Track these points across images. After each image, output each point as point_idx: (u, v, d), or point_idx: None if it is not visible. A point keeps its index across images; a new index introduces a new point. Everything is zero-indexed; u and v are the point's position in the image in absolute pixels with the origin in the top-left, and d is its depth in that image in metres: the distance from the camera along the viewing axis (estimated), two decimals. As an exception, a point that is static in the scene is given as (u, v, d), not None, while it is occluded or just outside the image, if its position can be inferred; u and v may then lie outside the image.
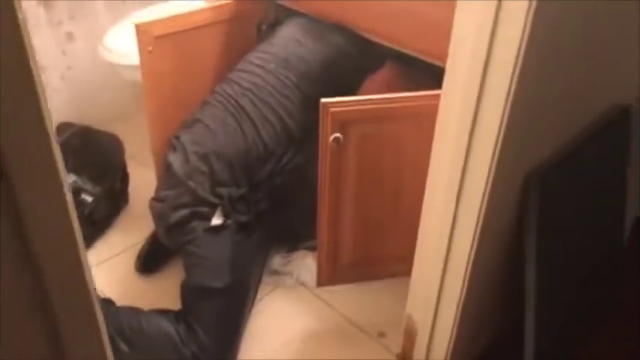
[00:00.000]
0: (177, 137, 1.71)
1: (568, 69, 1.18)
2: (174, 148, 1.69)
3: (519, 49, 1.03)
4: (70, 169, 2.03)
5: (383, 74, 1.73)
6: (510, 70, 1.04)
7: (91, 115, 2.39)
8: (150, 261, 1.88)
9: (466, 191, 1.18)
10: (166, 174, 1.68)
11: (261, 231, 1.69)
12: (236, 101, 1.67)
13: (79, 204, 1.95)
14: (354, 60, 1.74)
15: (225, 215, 1.59)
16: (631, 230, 1.77)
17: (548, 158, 1.29)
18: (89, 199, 1.99)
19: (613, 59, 1.36)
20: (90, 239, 1.96)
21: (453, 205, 1.20)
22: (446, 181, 1.20)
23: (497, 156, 1.11)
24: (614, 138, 1.50)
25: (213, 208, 1.59)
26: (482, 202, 1.16)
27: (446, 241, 1.26)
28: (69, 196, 0.66)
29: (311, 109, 1.42)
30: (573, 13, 1.09)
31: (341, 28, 1.76)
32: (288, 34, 1.80)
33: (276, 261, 1.86)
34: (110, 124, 2.26)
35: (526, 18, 0.98)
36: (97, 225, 2.01)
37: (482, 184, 1.14)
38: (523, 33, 1.00)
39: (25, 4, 2.02)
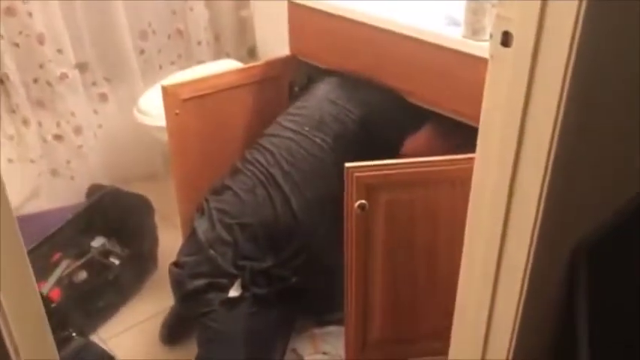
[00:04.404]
0: (206, 200, 1.65)
1: (614, 124, 1.06)
2: (202, 212, 1.63)
3: (558, 111, 0.92)
4: (99, 231, 2.01)
5: (422, 135, 1.64)
6: (549, 131, 0.94)
7: (123, 173, 2.41)
8: (175, 330, 1.81)
9: (505, 265, 1.08)
10: (190, 239, 1.62)
11: (284, 306, 1.59)
12: (267, 169, 1.60)
13: (106, 267, 1.92)
14: (392, 119, 1.65)
15: (244, 287, 1.52)
16: None
17: (599, 228, 1.16)
18: (117, 262, 1.94)
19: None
20: (114, 306, 1.91)
21: (492, 280, 1.11)
22: (483, 254, 1.11)
23: (539, 227, 1.01)
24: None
25: (232, 279, 1.52)
26: (523, 278, 1.07)
27: (485, 319, 1.18)
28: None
29: None
30: (615, 63, 0.97)
31: (376, 86, 1.67)
32: (322, 93, 1.72)
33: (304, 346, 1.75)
34: (142, 184, 2.24)
35: (565, 73, 0.87)
36: (122, 290, 1.95)
37: (523, 258, 1.04)
38: (562, 91, 0.89)
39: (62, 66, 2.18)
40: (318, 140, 1.60)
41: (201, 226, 1.57)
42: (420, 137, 1.64)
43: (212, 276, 1.51)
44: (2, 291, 0.82)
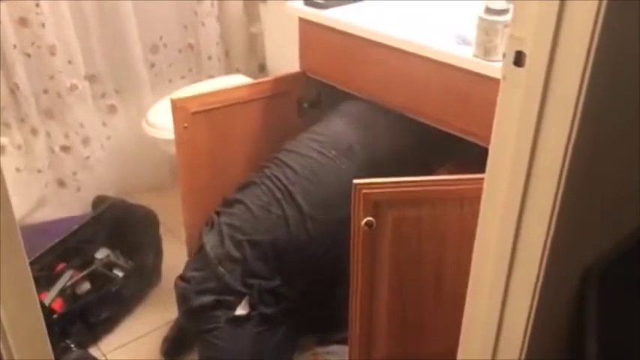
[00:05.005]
0: (217, 213, 1.62)
1: (628, 146, 1.05)
2: (211, 226, 1.60)
3: (570, 133, 0.91)
4: (104, 242, 2.01)
5: (445, 171, 1.60)
6: (561, 154, 0.93)
7: (129, 185, 2.43)
8: (176, 345, 1.79)
9: (514, 287, 1.08)
10: (198, 253, 1.59)
11: (289, 325, 1.58)
12: (285, 187, 1.57)
13: (109, 280, 1.91)
14: (420, 154, 1.64)
15: (251, 306, 1.50)
16: None
17: (610, 251, 1.15)
18: (120, 274, 1.94)
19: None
20: (116, 319, 1.90)
21: (500, 302, 1.10)
22: (491, 275, 1.10)
23: (549, 248, 0.99)
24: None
25: (240, 297, 1.50)
26: (532, 300, 1.06)
27: (492, 340, 1.15)
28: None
29: None
30: (630, 85, 0.96)
31: (406, 118, 1.65)
32: (352, 119, 1.70)
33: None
34: (148, 197, 2.24)
35: (578, 94, 0.87)
36: (125, 303, 1.94)
37: (532, 280, 1.03)
38: (575, 112, 0.88)
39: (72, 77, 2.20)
40: (344, 167, 1.59)
41: (210, 242, 1.55)
42: (442, 173, 1.62)
43: (220, 293, 1.50)
44: (2, 302, 0.81)
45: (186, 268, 1.62)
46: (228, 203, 1.63)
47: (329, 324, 1.72)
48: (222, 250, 1.52)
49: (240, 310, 1.50)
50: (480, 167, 1.33)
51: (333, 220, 1.53)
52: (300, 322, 1.63)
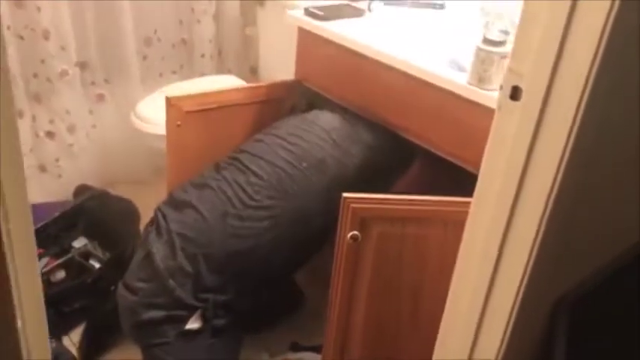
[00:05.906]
0: (163, 216, 1.51)
1: (612, 184, 1.09)
2: (158, 230, 1.49)
3: (558, 169, 0.94)
4: (83, 232, 2.00)
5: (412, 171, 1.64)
6: (547, 188, 0.96)
7: (112, 176, 2.42)
8: (94, 349, 1.73)
9: (490, 313, 1.11)
10: (145, 262, 1.47)
11: (236, 328, 1.53)
12: (250, 197, 1.49)
13: (85, 270, 1.91)
14: (391, 162, 1.65)
15: (204, 319, 1.44)
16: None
17: (584, 281, 1.18)
18: (97, 265, 1.93)
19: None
20: (89, 309, 1.87)
21: (475, 326, 1.12)
22: (469, 299, 1.12)
23: (528, 277, 1.03)
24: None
25: (191, 311, 1.43)
26: (506, 327, 1.09)
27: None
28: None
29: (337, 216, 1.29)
30: (621, 130, 1.00)
31: (378, 126, 1.65)
32: (324, 131, 1.64)
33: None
34: (130, 189, 2.23)
35: (569, 133, 0.90)
36: (98, 294, 1.90)
37: (509, 307, 1.06)
38: (564, 151, 0.91)
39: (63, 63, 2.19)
40: (314, 179, 1.53)
41: (160, 252, 1.45)
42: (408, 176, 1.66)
43: (170, 308, 1.42)
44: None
45: (131, 275, 1.51)
46: (178, 204, 1.52)
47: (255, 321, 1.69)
48: (173, 262, 1.42)
49: (192, 324, 1.44)
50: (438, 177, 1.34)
51: (296, 237, 1.49)
52: (238, 319, 1.55)
